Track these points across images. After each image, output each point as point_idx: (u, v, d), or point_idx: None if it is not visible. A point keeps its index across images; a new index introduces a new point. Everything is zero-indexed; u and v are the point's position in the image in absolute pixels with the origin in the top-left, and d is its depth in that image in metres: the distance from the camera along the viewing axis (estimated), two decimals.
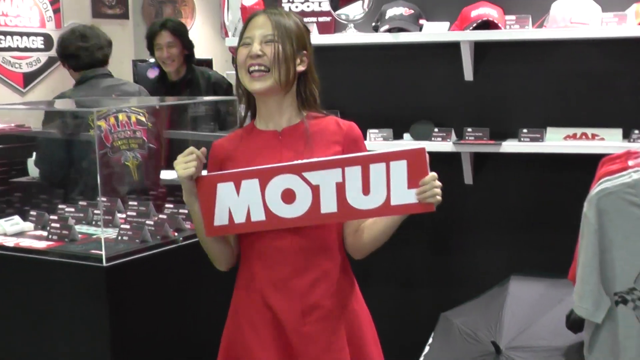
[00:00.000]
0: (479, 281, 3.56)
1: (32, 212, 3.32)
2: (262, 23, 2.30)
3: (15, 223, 3.22)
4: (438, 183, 2.16)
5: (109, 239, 2.98)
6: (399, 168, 2.13)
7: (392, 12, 3.58)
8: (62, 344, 2.89)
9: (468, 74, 3.57)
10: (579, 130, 3.36)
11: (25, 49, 8.41)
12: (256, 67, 2.27)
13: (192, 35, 5.31)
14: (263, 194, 2.20)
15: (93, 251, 2.84)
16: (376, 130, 3.65)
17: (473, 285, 3.55)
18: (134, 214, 3.19)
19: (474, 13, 3.44)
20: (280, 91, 2.31)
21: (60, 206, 3.39)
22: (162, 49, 4.88)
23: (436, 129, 3.55)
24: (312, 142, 2.32)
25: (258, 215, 2.22)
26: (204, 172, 2.28)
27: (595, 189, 2.41)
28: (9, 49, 8.25)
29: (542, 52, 3.50)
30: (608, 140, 3.29)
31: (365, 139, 3.61)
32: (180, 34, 4.90)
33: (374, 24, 3.63)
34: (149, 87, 4.87)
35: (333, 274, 2.37)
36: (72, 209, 3.34)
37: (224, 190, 2.22)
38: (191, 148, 2.23)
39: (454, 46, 3.50)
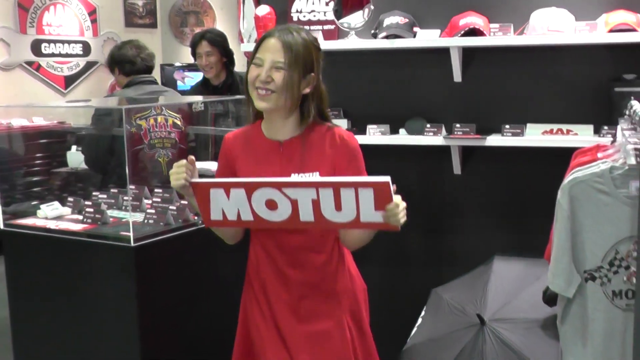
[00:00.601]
0: (466, 260, 3.54)
1: (70, 199, 3.33)
2: (274, 47, 2.23)
3: (55, 208, 3.24)
4: (402, 207, 2.08)
5: (136, 222, 3.00)
6: (367, 194, 2.08)
7: (389, 20, 3.57)
8: (95, 314, 2.91)
9: (457, 76, 3.55)
10: (555, 126, 3.33)
11: (66, 55, 8.43)
12: (263, 92, 2.24)
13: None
14: (249, 201, 2.18)
15: (122, 233, 2.85)
16: (375, 126, 3.64)
17: (461, 264, 3.54)
18: (159, 200, 3.19)
19: (462, 22, 3.42)
20: (284, 110, 2.29)
21: (94, 193, 3.40)
22: (201, 57, 4.88)
23: (428, 125, 3.54)
24: (308, 154, 2.30)
25: (247, 216, 2.21)
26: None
27: (567, 178, 2.39)
28: (52, 54, 8.27)
29: (522, 57, 3.48)
30: (581, 135, 3.27)
31: (364, 134, 3.63)
32: (218, 43, 4.88)
33: (373, 31, 3.61)
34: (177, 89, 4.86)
35: (329, 262, 2.39)
36: (105, 196, 3.34)
37: (217, 194, 2.21)
38: (181, 161, 2.23)
39: (444, 51, 3.48)
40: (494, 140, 3.39)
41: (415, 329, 3.20)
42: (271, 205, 2.16)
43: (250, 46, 3.74)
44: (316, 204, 2.13)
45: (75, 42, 8.52)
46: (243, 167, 2.34)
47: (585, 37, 3.20)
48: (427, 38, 3.48)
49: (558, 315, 2.49)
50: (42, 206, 3.22)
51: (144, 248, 2.80)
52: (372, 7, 3.59)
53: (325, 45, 3.65)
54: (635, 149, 2.28)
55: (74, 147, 4.65)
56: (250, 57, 2.31)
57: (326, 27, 3.81)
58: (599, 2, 3.33)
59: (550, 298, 2.65)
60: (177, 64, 8.60)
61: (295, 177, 2.26)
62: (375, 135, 3.63)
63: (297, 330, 2.37)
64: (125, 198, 3.26)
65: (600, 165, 2.36)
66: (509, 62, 3.51)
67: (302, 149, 2.30)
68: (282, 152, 2.33)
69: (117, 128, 3.77)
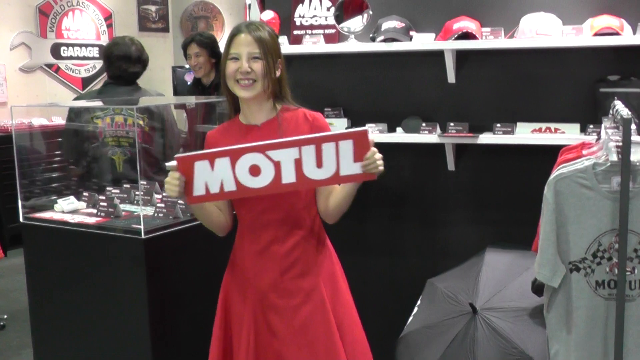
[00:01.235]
0: (459, 252, 3.55)
1: (85, 193, 3.35)
2: (247, 41, 2.34)
3: (70, 202, 3.25)
4: (379, 156, 2.19)
5: (147, 216, 3.01)
6: (346, 146, 2.17)
7: (386, 25, 3.57)
8: (108, 302, 2.92)
9: (451, 77, 3.55)
10: (543, 125, 3.33)
11: (84, 58, 8.46)
12: (245, 82, 2.34)
13: (222, 45, 5.29)
14: (233, 169, 2.22)
15: (134, 226, 2.87)
16: (373, 124, 3.64)
17: (455, 256, 3.55)
18: None
19: (455, 26, 3.41)
20: (264, 96, 2.39)
21: (107, 188, 3.41)
22: (191, 58, 4.93)
23: (424, 124, 3.53)
24: (284, 131, 2.38)
25: (230, 187, 2.24)
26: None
27: (553, 174, 2.40)
28: (70, 57, 8.30)
29: (513, 59, 3.47)
30: (568, 134, 3.26)
31: None
32: (206, 45, 4.89)
33: (371, 35, 3.61)
34: (185, 90, 4.84)
35: (307, 239, 2.43)
36: (118, 191, 3.36)
37: (201, 167, 2.24)
38: (174, 173, 2.24)
39: (439, 54, 3.48)
40: (485, 138, 3.39)
41: (411, 318, 3.20)
42: (255, 171, 2.21)
43: None
44: (298, 162, 2.20)
45: (92, 45, 8.55)
46: None
47: (571, 41, 3.20)
48: (423, 41, 3.48)
49: (544, 304, 2.49)
50: (58, 200, 3.24)
51: (154, 240, 2.82)
52: (370, 12, 3.59)
53: (327, 48, 3.67)
54: (617, 147, 2.28)
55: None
56: (224, 55, 2.39)
57: (327, 31, 3.81)
58: (585, 7, 3.32)
59: (538, 288, 2.66)
60: (187, 66, 8.59)
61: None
62: (373, 133, 3.63)
63: (279, 307, 2.41)
64: (137, 193, 3.27)
65: (584, 161, 2.36)
66: (500, 64, 3.50)
67: (279, 128, 2.39)
68: (261, 133, 2.40)
69: (75, 124, 3.88)
